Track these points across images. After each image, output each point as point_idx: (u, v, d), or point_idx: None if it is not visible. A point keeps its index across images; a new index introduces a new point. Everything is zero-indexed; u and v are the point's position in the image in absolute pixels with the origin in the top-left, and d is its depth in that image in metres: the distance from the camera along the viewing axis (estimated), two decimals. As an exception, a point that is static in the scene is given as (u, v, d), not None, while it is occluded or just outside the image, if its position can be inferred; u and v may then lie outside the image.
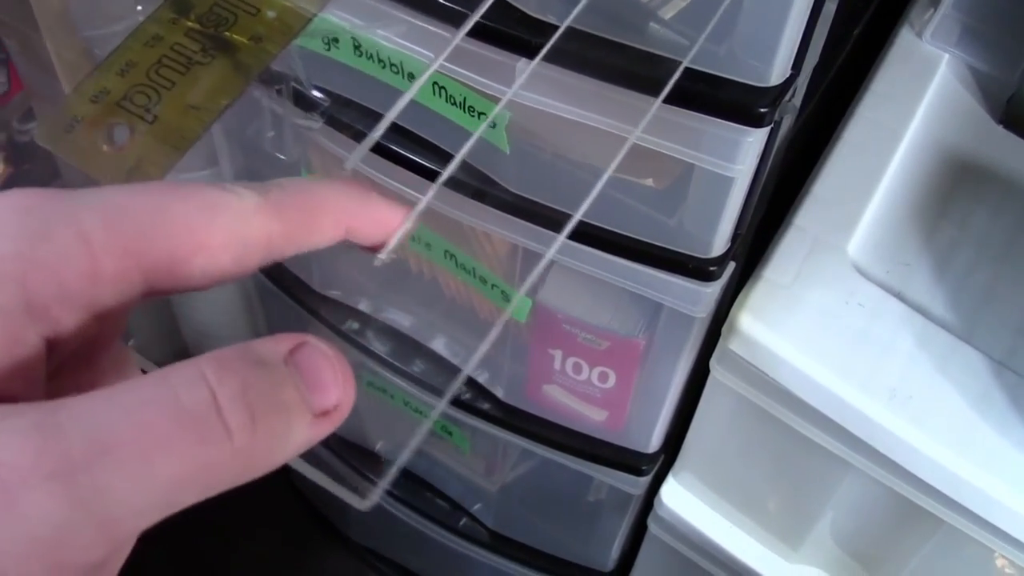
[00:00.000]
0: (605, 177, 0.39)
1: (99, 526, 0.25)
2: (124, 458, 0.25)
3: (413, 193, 0.78)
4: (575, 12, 0.42)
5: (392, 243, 0.36)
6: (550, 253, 0.41)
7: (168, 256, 0.29)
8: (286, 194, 0.32)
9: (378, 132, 0.40)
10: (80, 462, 0.25)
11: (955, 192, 0.83)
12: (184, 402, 0.26)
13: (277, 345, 0.29)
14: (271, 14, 0.39)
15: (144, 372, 0.30)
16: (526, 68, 0.64)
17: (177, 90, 0.37)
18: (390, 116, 0.40)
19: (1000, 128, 0.88)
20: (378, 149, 0.76)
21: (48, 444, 0.25)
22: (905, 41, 0.93)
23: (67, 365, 0.30)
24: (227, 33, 0.39)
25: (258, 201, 0.31)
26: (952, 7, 0.90)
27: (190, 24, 0.38)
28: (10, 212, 0.28)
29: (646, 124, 0.64)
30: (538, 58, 0.41)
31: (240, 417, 0.27)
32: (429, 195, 0.37)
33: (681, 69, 0.43)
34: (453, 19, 0.65)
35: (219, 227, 0.30)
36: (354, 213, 0.34)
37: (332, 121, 0.79)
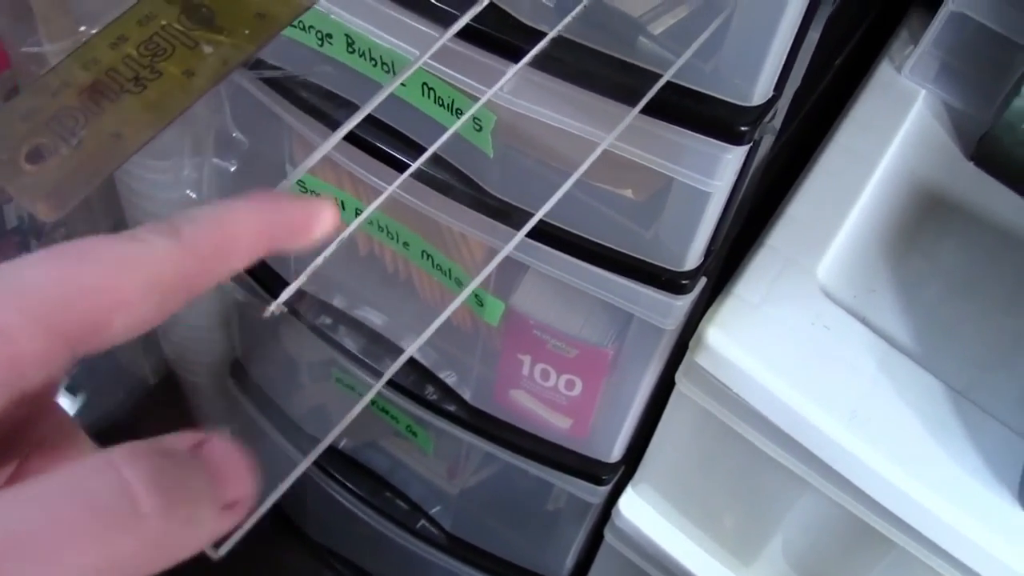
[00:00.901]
0: (573, 179, 0.40)
1: None
2: (35, 552, 0.25)
3: (400, 193, 0.79)
4: (564, 22, 0.44)
5: (282, 298, 0.36)
6: (508, 248, 0.41)
7: (89, 322, 0.29)
8: (198, 228, 0.32)
9: (350, 124, 0.41)
10: None
11: (924, 224, 0.85)
12: (95, 490, 0.26)
13: (184, 439, 0.29)
14: (208, 49, 0.40)
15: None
16: (515, 72, 0.65)
17: (105, 117, 0.37)
18: (366, 109, 0.41)
19: (971, 165, 0.90)
20: (368, 148, 0.77)
21: None
22: (885, 74, 0.95)
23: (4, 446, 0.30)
24: (162, 63, 0.39)
25: (168, 245, 0.31)
26: (932, 45, 0.92)
27: (128, 51, 0.39)
28: None
29: (630, 136, 0.66)
30: (522, 63, 0.42)
31: (153, 501, 0.27)
32: (375, 204, 0.38)
33: (661, 83, 0.44)
34: (448, 22, 0.66)
35: (134, 282, 0.30)
36: (270, 227, 0.34)
37: (319, 115, 0.80)
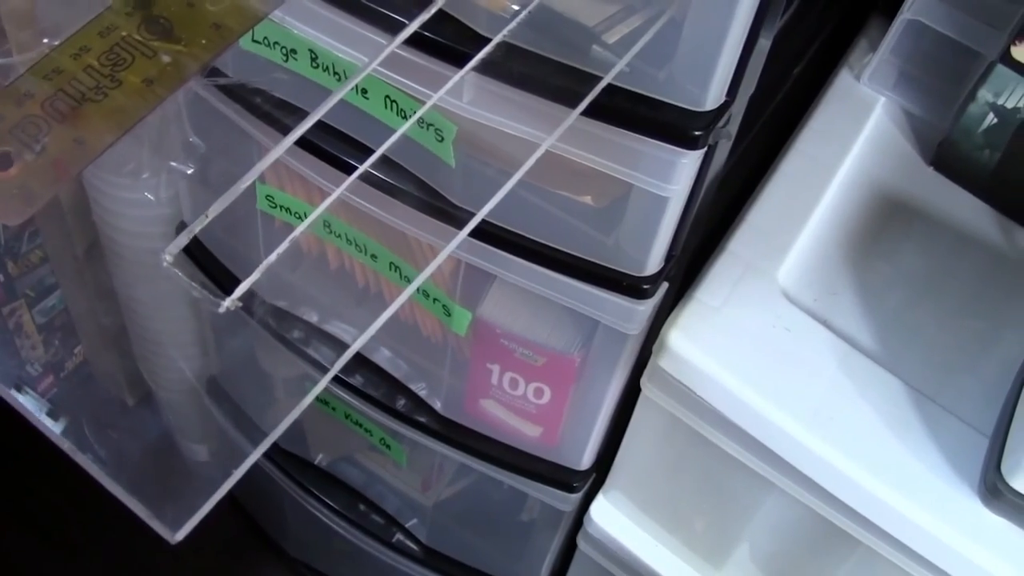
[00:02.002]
0: (515, 178, 0.42)
1: None
2: None
3: (366, 205, 0.80)
4: (508, 27, 0.45)
5: (238, 292, 0.37)
6: (451, 247, 0.43)
7: None
8: None
9: (301, 130, 0.43)
10: None
11: (885, 228, 0.87)
12: None
13: None
14: (166, 58, 0.41)
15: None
16: (475, 81, 0.66)
17: (67, 124, 0.38)
18: (316, 114, 0.42)
19: (931, 170, 0.91)
20: (331, 159, 0.78)
21: None
22: (844, 82, 0.96)
23: None
24: (122, 73, 0.40)
25: None
26: (890, 53, 0.94)
27: (90, 61, 0.40)
28: None
29: (588, 143, 0.67)
30: (467, 67, 0.43)
31: None
32: (325, 203, 0.39)
33: (602, 85, 0.45)
34: (414, 39, 0.67)
35: None
36: None
37: (273, 121, 0.80)
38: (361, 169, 0.40)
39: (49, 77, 0.39)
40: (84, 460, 0.38)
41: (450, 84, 0.41)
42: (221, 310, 0.36)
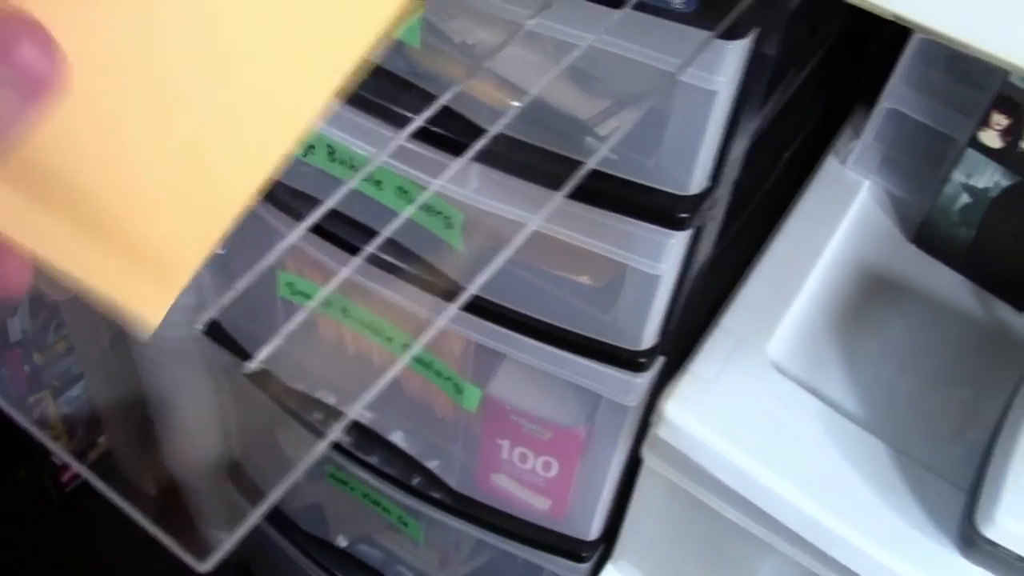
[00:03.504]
0: (506, 254, 0.46)
1: None
2: None
3: (382, 289, 0.86)
4: (502, 122, 0.50)
5: (262, 354, 0.40)
6: (443, 319, 0.47)
7: None
8: None
9: (315, 216, 0.48)
10: None
11: (870, 303, 0.92)
12: None
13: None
14: None
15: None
16: (480, 172, 0.72)
17: None
18: (330, 201, 0.48)
19: (913, 247, 0.97)
20: (347, 247, 0.83)
21: None
22: (831, 167, 1.02)
23: None
24: None
25: None
26: (873, 139, 1.00)
27: None
28: None
29: (584, 227, 0.73)
30: (464, 158, 0.48)
31: None
32: (333, 283, 0.44)
33: (585, 169, 0.51)
34: (422, 134, 0.73)
35: None
36: None
37: (300, 217, 0.86)
38: (367, 250, 0.45)
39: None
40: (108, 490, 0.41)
41: (449, 174, 0.46)
42: (246, 371, 0.40)
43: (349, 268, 0.42)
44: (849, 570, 0.78)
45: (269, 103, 0.38)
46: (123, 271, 0.36)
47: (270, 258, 0.50)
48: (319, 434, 1.07)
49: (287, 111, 0.38)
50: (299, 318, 0.46)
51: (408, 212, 0.49)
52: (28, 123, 0.29)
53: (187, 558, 0.38)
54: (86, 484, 1.57)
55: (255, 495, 1.31)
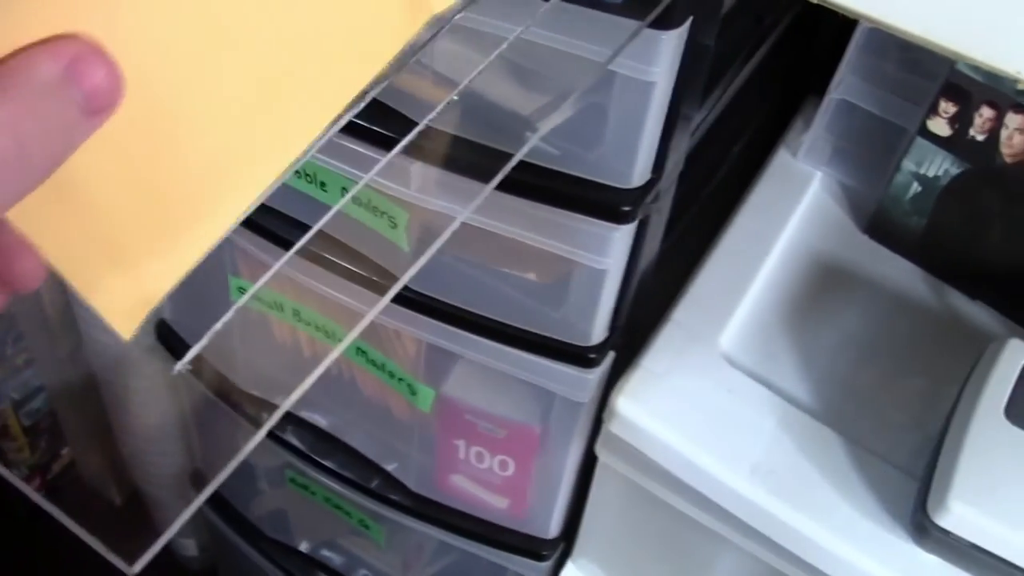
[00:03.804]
0: (437, 245, 0.46)
1: None
2: None
3: (332, 293, 0.85)
4: (429, 116, 0.50)
5: (188, 356, 0.41)
6: (373, 313, 0.47)
7: None
8: None
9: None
10: None
11: (823, 294, 0.92)
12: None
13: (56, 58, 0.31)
14: None
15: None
16: (420, 170, 0.72)
17: None
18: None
19: (865, 237, 0.97)
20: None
21: None
22: (782, 159, 1.02)
23: None
24: None
25: None
26: (824, 130, 1.00)
27: None
28: None
29: (529, 223, 0.72)
30: (396, 150, 0.48)
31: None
32: (264, 278, 0.44)
33: (514, 161, 0.51)
34: (365, 135, 0.73)
35: None
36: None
37: (255, 227, 0.86)
38: (299, 244, 0.45)
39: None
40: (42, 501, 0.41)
41: (380, 165, 0.46)
42: (175, 373, 0.40)
43: (281, 262, 0.42)
44: (804, 562, 0.78)
45: (256, 132, 0.39)
46: (107, 278, 0.36)
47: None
48: (278, 440, 1.07)
49: (271, 144, 0.39)
50: (226, 317, 0.45)
51: (340, 204, 0.48)
52: (84, 139, 0.31)
53: (115, 559, 0.38)
54: (52, 496, 1.56)
55: (218, 502, 1.30)
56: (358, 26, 0.41)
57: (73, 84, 0.30)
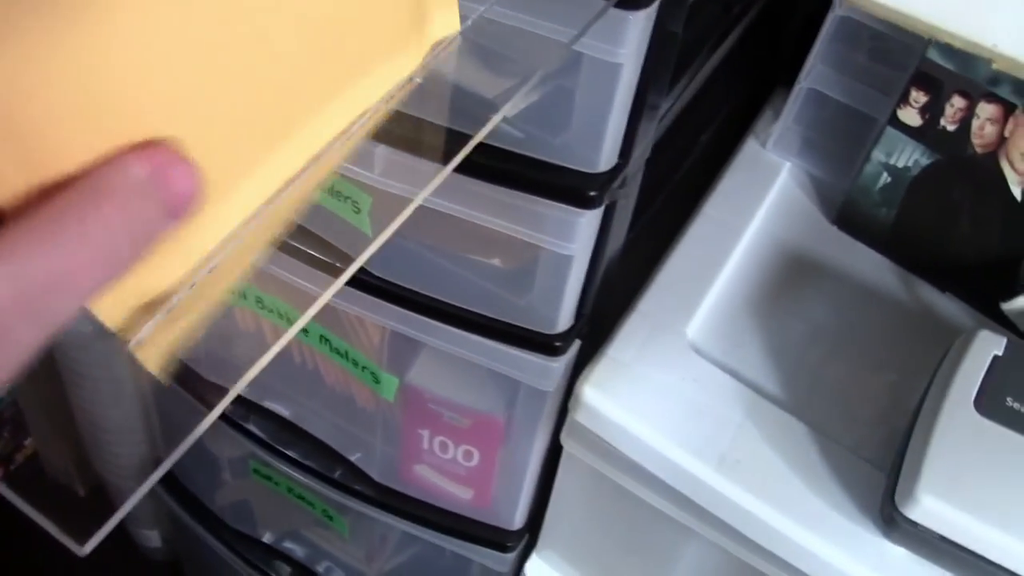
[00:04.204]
0: (392, 228, 0.45)
1: None
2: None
3: (291, 278, 0.84)
4: (391, 92, 0.49)
5: (143, 333, 0.41)
6: (328, 294, 0.47)
7: None
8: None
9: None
10: None
11: (792, 285, 0.91)
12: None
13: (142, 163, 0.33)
14: None
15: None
16: (385, 154, 0.71)
17: None
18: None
19: (834, 228, 0.96)
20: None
21: None
22: (750, 150, 1.01)
23: None
24: None
25: None
26: (793, 121, 0.99)
27: None
28: None
29: (493, 208, 0.71)
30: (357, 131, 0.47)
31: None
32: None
33: (473, 142, 0.50)
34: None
35: None
36: None
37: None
38: (249, 225, 0.44)
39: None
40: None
41: (321, 151, 0.44)
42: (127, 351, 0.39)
43: (222, 246, 0.40)
44: (771, 553, 0.77)
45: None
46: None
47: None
48: (239, 429, 1.05)
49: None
50: (179, 298, 0.44)
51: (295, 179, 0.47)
52: (163, 236, 0.34)
53: (66, 541, 0.38)
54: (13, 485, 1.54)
55: (182, 493, 1.29)
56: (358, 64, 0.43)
57: (159, 188, 0.33)
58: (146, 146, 0.33)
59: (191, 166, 0.34)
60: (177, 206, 0.34)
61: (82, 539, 0.37)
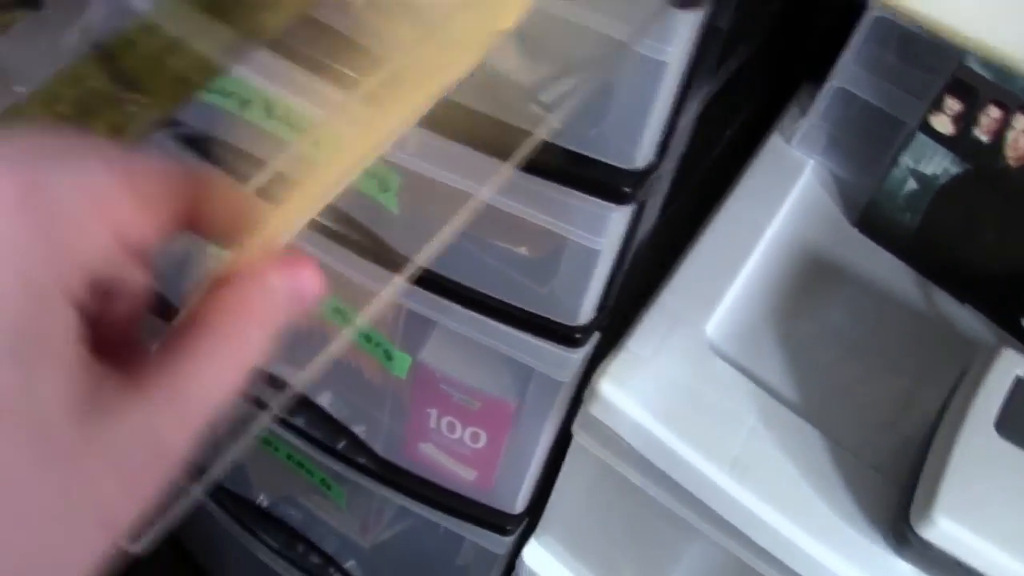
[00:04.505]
0: (452, 228, 0.45)
1: None
2: None
3: (311, 250, 0.83)
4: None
5: None
6: (388, 291, 0.46)
7: None
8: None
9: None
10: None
11: (810, 286, 0.91)
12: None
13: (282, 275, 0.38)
14: (132, 108, 0.45)
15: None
16: (417, 135, 0.70)
17: None
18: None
19: (855, 231, 0.95)
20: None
21: None
22: (775, 146, 1.00)
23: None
24: (91, 122, 0.44)
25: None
26: (819, 118, 0.98)
27: (60, 109, 0.43)
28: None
29: (524, 197, 0.70)
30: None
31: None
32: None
33: (533, 142, 0.49)
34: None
35: None
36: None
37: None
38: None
39: (23, 125, 0.42)
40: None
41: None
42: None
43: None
44: (775, 559, 0.77)
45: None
46: None
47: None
48: (260, 405, 1.04)
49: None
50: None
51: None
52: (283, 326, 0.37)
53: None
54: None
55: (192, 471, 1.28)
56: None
57: (295, 301, 0.37)
58: (286, 258, 0.37)
59: (316, 265, 0.38)
60: (307, 304, 0.38)
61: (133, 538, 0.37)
